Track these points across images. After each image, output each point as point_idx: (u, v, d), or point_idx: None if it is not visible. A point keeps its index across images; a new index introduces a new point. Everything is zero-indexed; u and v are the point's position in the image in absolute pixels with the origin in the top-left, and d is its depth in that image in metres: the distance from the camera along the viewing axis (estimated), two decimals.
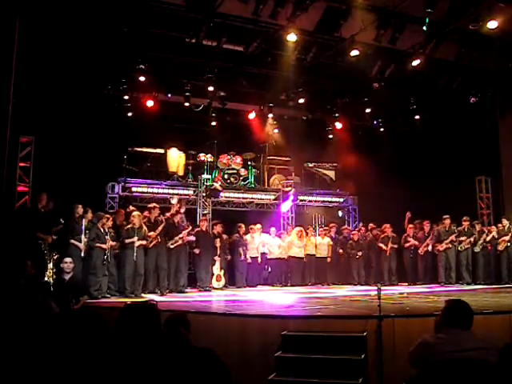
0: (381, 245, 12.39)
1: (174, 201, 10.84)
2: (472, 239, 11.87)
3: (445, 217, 11.96)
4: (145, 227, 9.40)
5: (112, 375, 1.78)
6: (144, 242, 9.31)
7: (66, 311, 2.35)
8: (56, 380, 1.56)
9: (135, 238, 9.13)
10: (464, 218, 12.08)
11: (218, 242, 11.17)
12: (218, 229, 11.41)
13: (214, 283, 11.05)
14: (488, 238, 11.97)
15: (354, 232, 12.96)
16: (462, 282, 11.62)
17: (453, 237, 11.69)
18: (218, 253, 11.14)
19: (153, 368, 2.19)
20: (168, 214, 10.24)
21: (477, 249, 11.96)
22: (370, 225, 13.00)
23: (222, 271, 11.22)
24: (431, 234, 12.07)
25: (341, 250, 12.60)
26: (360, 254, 12.51)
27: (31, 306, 2.50)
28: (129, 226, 9.28)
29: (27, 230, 8.41)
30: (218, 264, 11.12)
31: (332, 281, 12.45)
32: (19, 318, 2.35)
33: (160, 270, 9.69)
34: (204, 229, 11.24)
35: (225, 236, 11.61)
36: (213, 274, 11.05)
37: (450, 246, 11.69)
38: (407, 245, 12.28)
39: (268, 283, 12.24)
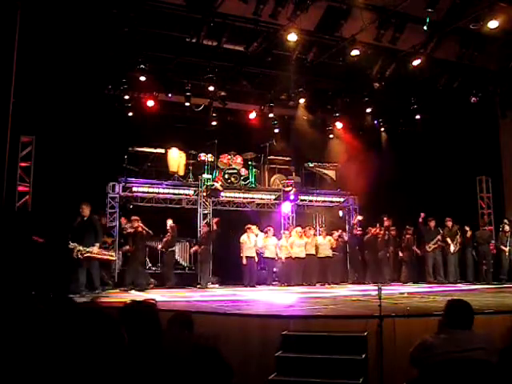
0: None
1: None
2: (459, 239, 12.03)
3: (429, 219, 12.16)
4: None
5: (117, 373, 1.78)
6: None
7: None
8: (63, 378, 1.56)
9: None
10: (447, 219, 12.24)
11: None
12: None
13: None
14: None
15: (377, 231, 12.76)
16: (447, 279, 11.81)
17: (439, 237, 11.93)
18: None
19: (155, 367, 2.18)
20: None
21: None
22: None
23: None
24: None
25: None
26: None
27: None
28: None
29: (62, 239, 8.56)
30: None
31: (334, 280, 12.42)
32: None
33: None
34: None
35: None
36: None
37: (437, 246, 11.94)
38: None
39: (268, 283, 12.23)
